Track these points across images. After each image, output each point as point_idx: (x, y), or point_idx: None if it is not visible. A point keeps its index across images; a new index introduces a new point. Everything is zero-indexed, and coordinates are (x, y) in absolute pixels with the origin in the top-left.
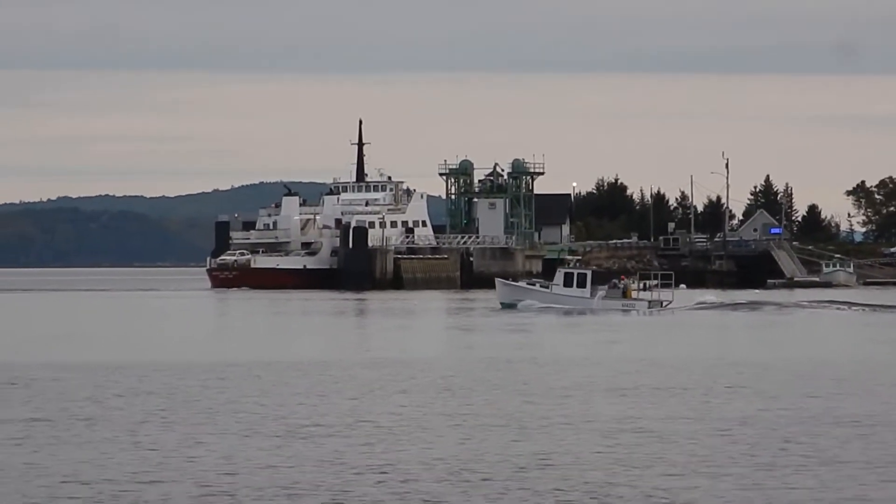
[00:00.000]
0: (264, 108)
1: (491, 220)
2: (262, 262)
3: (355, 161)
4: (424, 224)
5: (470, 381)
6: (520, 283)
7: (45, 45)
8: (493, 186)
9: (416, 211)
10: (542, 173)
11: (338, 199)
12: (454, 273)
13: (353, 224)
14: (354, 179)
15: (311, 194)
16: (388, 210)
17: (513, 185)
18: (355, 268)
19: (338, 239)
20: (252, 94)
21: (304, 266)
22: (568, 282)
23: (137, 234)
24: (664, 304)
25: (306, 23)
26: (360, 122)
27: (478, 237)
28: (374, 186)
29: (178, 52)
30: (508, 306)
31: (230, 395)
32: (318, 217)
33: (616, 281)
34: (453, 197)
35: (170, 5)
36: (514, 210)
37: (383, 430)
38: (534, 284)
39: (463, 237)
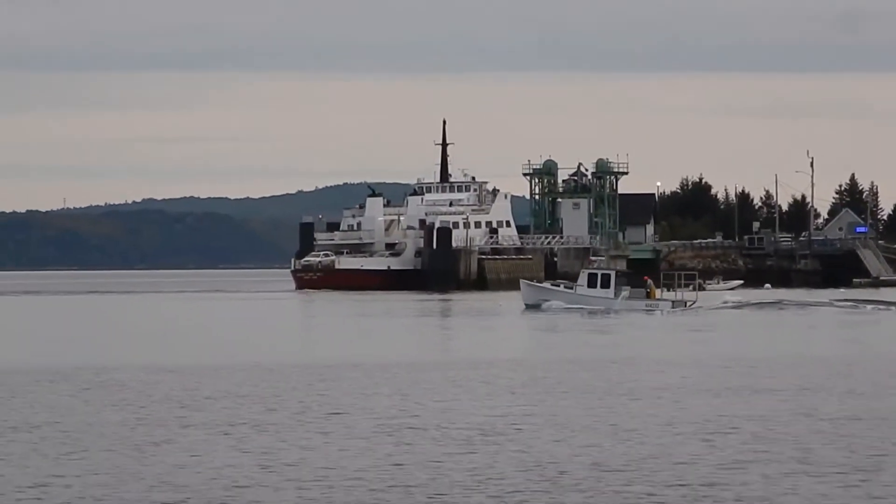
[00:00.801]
0: (349, 109)
1: (575, 220)
2: (347, 263)
3: (439, 161)
4: (508, 224)
5: (561, 382)
6: (544, 284)
7: (127, 45)
8: (577, 186)
9: (500, 211)
10: (626, 173)
11: (422, 199)
12: (538, 273)
13: (438, 225)
14: (438, 180)
15: (395, 195)
16: (473, 210)
17: (597, 184)
18: (439, 268)
19: (422, 240)
20: (337, 94)
21: (389, 267)
22: (592, 282)
23: (222, 236)
24: (688, 304)
25: (390, 22)
26: (444, 123)
27: (562, 237)
28: (458, 187)
29: (265, 52)
30: (533, 307)
31: (327, 397)
32: (402, 218)
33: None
34: (537, 197)
35: (252, 4)
36: (598, 210)
37: (479, 431)
38: (558, 285)
39: (547, 237)
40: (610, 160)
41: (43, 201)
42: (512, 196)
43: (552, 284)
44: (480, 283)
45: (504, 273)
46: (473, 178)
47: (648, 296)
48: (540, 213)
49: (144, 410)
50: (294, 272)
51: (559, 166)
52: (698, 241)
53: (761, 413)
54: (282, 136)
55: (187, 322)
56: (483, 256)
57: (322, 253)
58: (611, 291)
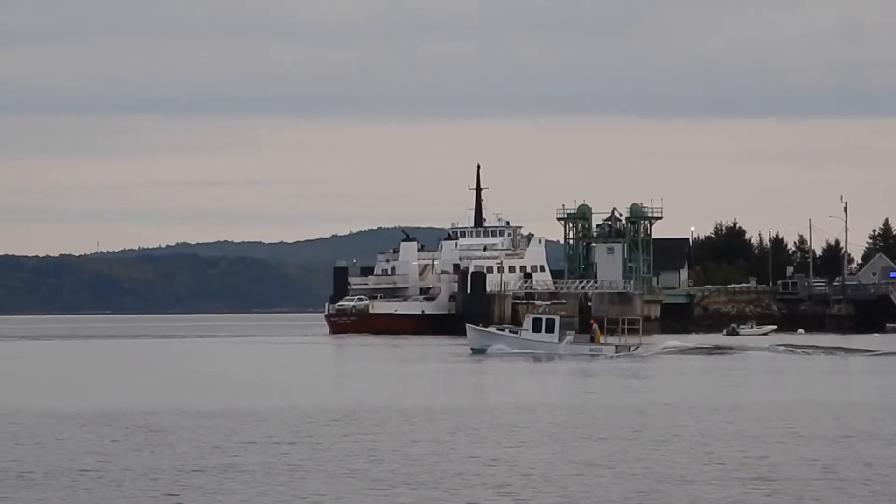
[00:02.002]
0: (383, 154)
1: (609, 265)
2: (381, 307)
3: (473, 206)
4: (542, 269)
5: (601, 428)
6: (489, 329)
7: (162, 89)
8: (612, 231)
9: (535, 256)
10: (661, 217)
11: (456, 244)
12: (572, 318)
13: (472, 269)
14: (473, 224)
15: (429, 239)
16: (507, 255)
17: (631, 229)
18: (474, 313)
19: (456, 284)
20: (370, 138)
21: (423, 311)
22: (537, 327)
23: (256, 280)
24: (632, 348)
25: (425, 67)
26: (478, 167)
27: (596, 282)
28: (492, 231)
29: (299, 97)
30: (479, 351)
31: (366, 444)
32: (436, 262)
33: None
34: (571, 241)
35: (288, 50)
36: (632, 254)
37: (524, 476)
38: (503, 330)
39: (581, 282)
40: (644, 205)
41: (76, 245)
42: (546, 241)
43: (497, 329)
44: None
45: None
46: (508, 223)
47: (593, 340)
48: (574, 258)
49: (187, 455)
50: (328, 316)
51: (593, 211)
52: (732, 285)
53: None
54: (316, 181)
55: (222, 367)
56: (517, 301)
57: (356, 297)
58: (555, 336)
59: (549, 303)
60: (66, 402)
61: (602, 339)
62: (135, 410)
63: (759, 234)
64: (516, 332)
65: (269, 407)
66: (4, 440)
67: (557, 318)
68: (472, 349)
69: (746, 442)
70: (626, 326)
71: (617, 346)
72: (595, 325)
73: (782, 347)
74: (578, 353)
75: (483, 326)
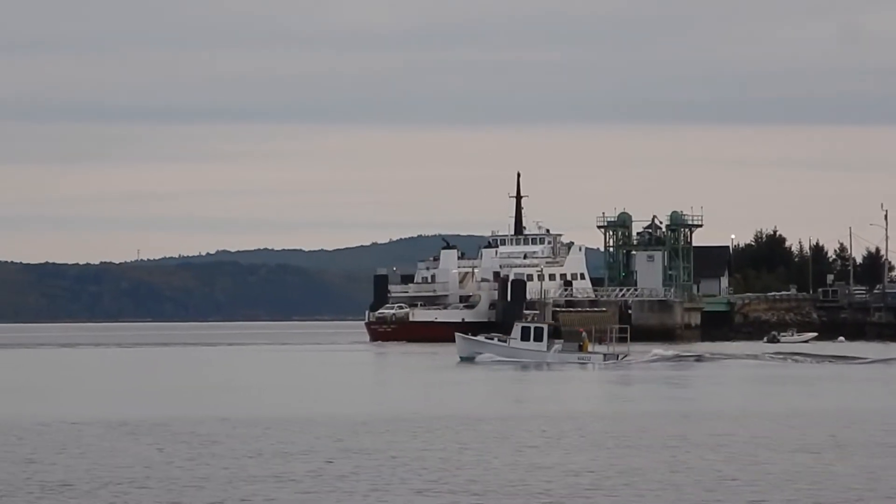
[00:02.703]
0: (423, 161)
1: (649, 273)
2: (421, 315)
3: (514, 214)
4: (583, 277)
5: (641, 436)
6: (478, 338)
7: (203, 96)
8: (652, 239)
9: (575, 264)
10: (701, 225)
11: (496, 252)
12: (612, 326)
13: (512, 277)
14: (513, 232)
15: (469, 247)
16: (547, 263)
17: (671, 237)
18: (514, 321)
19: (496, 292)
20: (411, 146)
21: (463, 319)
22: (525, 335)
23: (296, 288)
24: (620, 357)
25: (465, 74)
26: (518, 175)
27: (636, 290)
28: (532, 239)
29: (338, 105)
30: (467, 359)
31: (416, 451)
32: (476, 270)
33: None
34: (611, 249)
35: (328, 57)
36: (672, 262)
37: (578, 485)
38: (492, 338)
39: (621, 290)
40: (684, 213)
41: (117, 253)
42: (586, 248)
43: (486, 337)
44: (554, 335)
45: (579, 325)
46: (548, 231)
47: (581, 349)
48: (614, 266)
49: (237, 463)
50: (368, 324)
51: (633, 219)
52: (772, 293)
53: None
54: (356, 189)
55: (264, 374)
56: (557, 309)
57: (396, 305)
58: (543, 344)
59: (534, 312)
60: (111, 411)
61: (590, 348)
62: (181, 418)
63: (800, 242)
64: (505, 341)
65: (312, 415)
66: (50, 449)
67: (546, 327)
68: (460, 357)
69: (793, 450)
70: (614, 335)
71: (605, 355)
72: (584, 334)
73: (768, 356)
74: (567, 361)
75: (472, 335)
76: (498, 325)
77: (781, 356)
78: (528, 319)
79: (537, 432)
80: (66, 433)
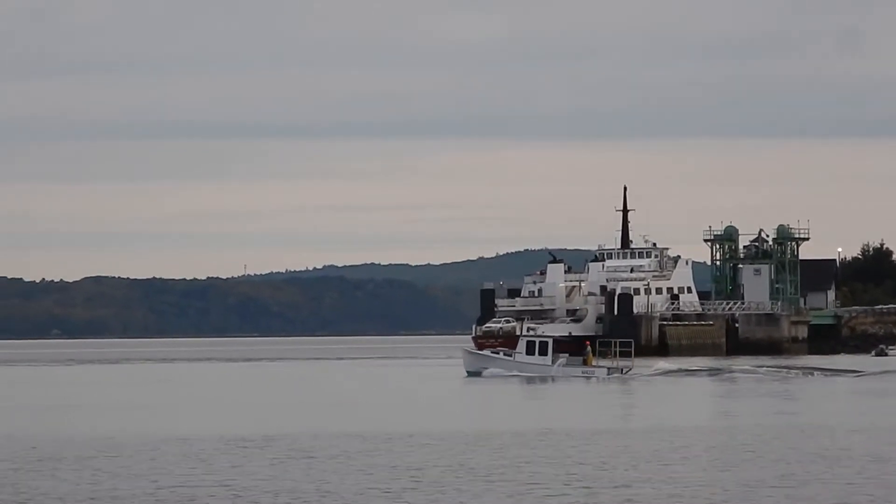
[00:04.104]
0: (530, 176)
1: (756, 286)
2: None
3: (620, 228)
4: (689, 290)
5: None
6: (484, 352)
7: (310, 113)
8: (758, 252)
9: (681, 277)
10: (807, 239)
11: (603, 265)
12: (719, 339)
13: (619, 291)
14: (619, 246)
15: (576, 261)
16: (654, 276)
17: (778, 250)
18: (620, 334)
19: (603, 306)
20: (517, 161)
21: (570, 333)
22: (530, 350)
23: (403, 302)
24: (624, 370)
25: (572, 89)
26: (625, 189)
27: (743, 303)
28: (639, 253)
29: (446, 121)
30: (474, 374)
31: (530, 467)
32: (583, 284)
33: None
34: (718, 263)
35: (432, 73)
36: (779, 276)
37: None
38: (498, 353)
39: (728, 303)
40: (791, 226)
41: (224, 269)
42: (693, 262)
43: (492, 352)
44: (662, 349)
45: (685, 339)
46: (654, 245)
47: (585, 363)
48: (721, 280)
49: (369, 479)
50: (475, 338)
51: (740, 232)
52: (879, 306)
53: None
54: (462, 204)
55: (372, 389)
56: (664, 322)
57: (503, 319)
58: (548, 359)
59: (536, 323)
60: (226, 426)
61: (594, 362)
62: (294, 434)
63: None
64: (510, 356)
65: (422, 429)
66: (171, 463)
67: (550, 341)
68: (467, 371)
69: None
70: (618, 349)
71: (609, 369)
72: (589, 347)
73: (764, 369)
74: (571, 375)
75: (478, 350)
76: (604, 339)
77: (784, 370)
78: (533, 334)
79: (668, 445)
80: (182, 449)
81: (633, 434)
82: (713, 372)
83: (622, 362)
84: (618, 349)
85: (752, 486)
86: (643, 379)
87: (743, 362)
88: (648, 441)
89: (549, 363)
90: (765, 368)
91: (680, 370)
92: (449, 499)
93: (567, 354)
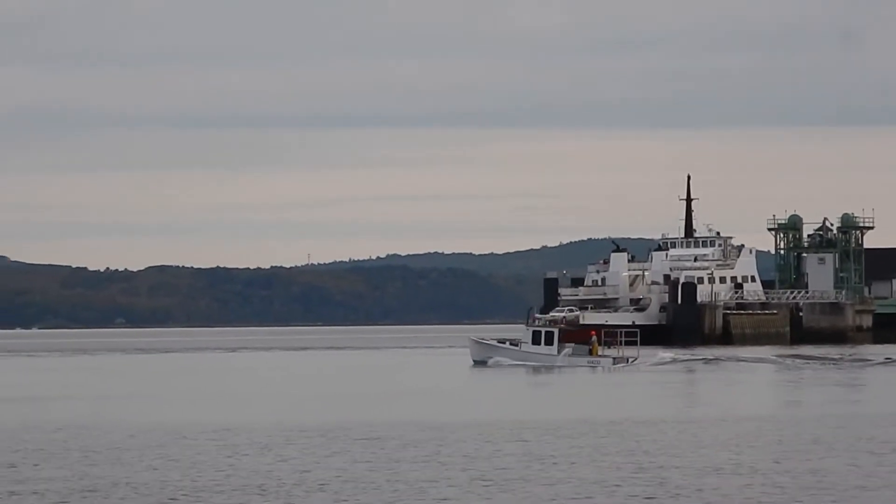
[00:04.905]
0: (592, 165)
1: (820, 275)
2: (591, 318)
3: (684, 217)
4: (753, 279)
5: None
6: (490, 342)
7: (374, 104)
8: (823, 241)
9: (745, 266)
10: (872, 227)
11: (666, 254)
12: (783, 328)
13: (682, 280)
14: (683, 235)
15: (639, 250)
16: (717, 265)
17: (842, 239)
18: (684, 323)
19: (666, 295)
20: (580, 150)
21: (633, 322)
22: (536, 339)
23: (466, 291)
24: (630, 360)
25: (636, 79)
26: (689, 178)
27: (807, 292)
28: (702, 242)
29: (508, 110)
30: (480, 363)
31: (589, 451)
32: (646, 273)
33: None
34: (782, 252)
35: (497, 62)
36: (843, 265)
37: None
38: (504, 342)
39: (792, 292)
40: (855, 215)
41: (287, 258)
42: (756, 251)
43: (498, 342)
44: (725, 337)
45: (749, 328)
46: (718, 234)
47: (591, 352)
48: (785, 268)
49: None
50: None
51: (804, 221)
52: None
53: None
54: (525, 193)
55: (439, 377)
56: (728, 311)
57: (567, 308)
58: (554, 348)
59: (547, 316)
60: (293, 415)
61: (599, 351)
62: (363, 423)
63: None
64: (517, 345)
65: (482, 419)
66: (240, 451)
67: (556, 331)
68: (473, 361)
69: None
70: (623, 339)
71: (615, 358)
72: (594, 337)
73: (774, 356)
74: (576, 364)
75: (483, 339)
76: (668, 327)
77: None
78: (539, 323)
79: (736, 434)
80: (253, 438)
81: (700, 422)
82: (719, 360)
83: (627, 352)
84: (623, 339)
85: (821, 474)
86: (648, 369)
87: (806, 351)
88: (717, 429)
89: (555, 353)
90: (774, 356)
91: (682, 359)
92: (521, 489)
93: (573, 344)
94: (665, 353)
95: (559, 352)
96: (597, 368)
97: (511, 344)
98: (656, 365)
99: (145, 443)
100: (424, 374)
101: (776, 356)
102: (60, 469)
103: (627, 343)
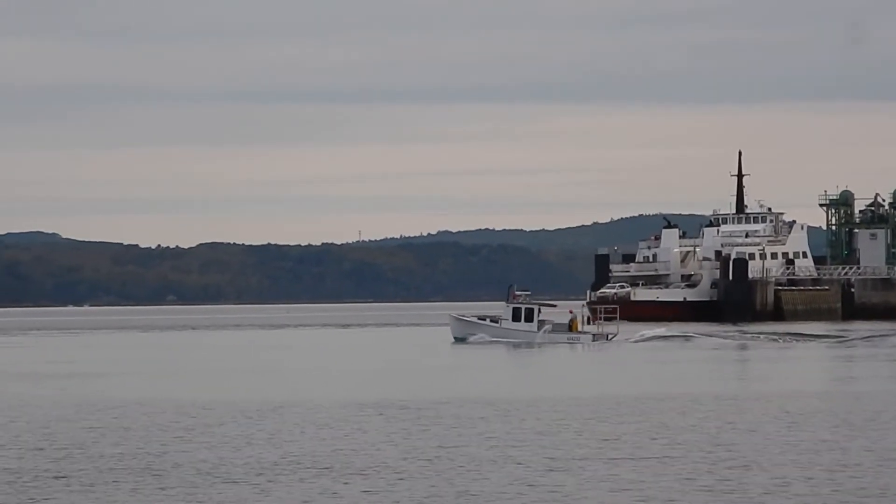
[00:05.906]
0: (644, 140)
1: (872, 251)
2: (643, 294)
3: (735, 193)
4: (804, 255)
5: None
6: (471, 318)
7: (422, 79)
8: (874, 216)
9: (797, 242)
10: None
11: (717, 231)
12: (835, 304)
13: (734, 256)
14: (734, 211)
15: (690, 226)
16: (769, 241)
17: (894, 214)
18: (736, 300)
19: (718, 271)
20: (631, 126)
21: (685, 298)
22: (516, 316)
23: (517, 267)
24: (609, 336)
25: (687, 54)
26: (740, 154)
27: (859, 268)
28: (753, 218)
29: (555, 85)
30: (460, 340)
31: (650, 428)
32: (697, 249)
33: None
34: (833, 227)
35: (547, 37)
36: (895, 240)
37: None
38: (484, 319)
39: (843, 268)
40: None
41: (338, 234)
42: (808, 227)
43: (479, 319)
44: (777, 314)
45: (801, 304)
46: (769, 209)
47: (571, 329)
48: (836, 244)
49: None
50: (589, 304)
51: (856, 196)
52: None
53: None
54: (576, 168)
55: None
56: (779, 287)
57: (618, 284)
58: (534, 325)
59: (525, 292)
60: (347, 392)
61: (580, 328)
62: (417, 399)
63: None
64: (497, 322)
65: (532, 396)
66: (293, 427)
67: (536, 308)
68: (454, 338)
69: None
70: (603, 315)
71: (594, 335)
72: (573, 314)
73: (763, 336)
74: (556, 341)
75: (465, 316)
76: (719, 303)
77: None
78: (519, 301)
79: (790, 410)
80: (304, 413)
81: (756, 400)
82: (697, 337)
83: (607, 328)
84: (603, 315)
85: (878, 451)
86: (629, 345)
87: (859, 327)
88: (775, 406)
89: (535, 330)
90: (763, 336)
91: (662, 336)
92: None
93: (553, 321)
94: (646, 331)
95: (539, 329)
96: (576, 345)
97: (491, 321)
98: (636, 342)
99: (206, 420)
100: (400, 350)
101: (770, 333)
102: (118, 447)
103: (607, 319)
